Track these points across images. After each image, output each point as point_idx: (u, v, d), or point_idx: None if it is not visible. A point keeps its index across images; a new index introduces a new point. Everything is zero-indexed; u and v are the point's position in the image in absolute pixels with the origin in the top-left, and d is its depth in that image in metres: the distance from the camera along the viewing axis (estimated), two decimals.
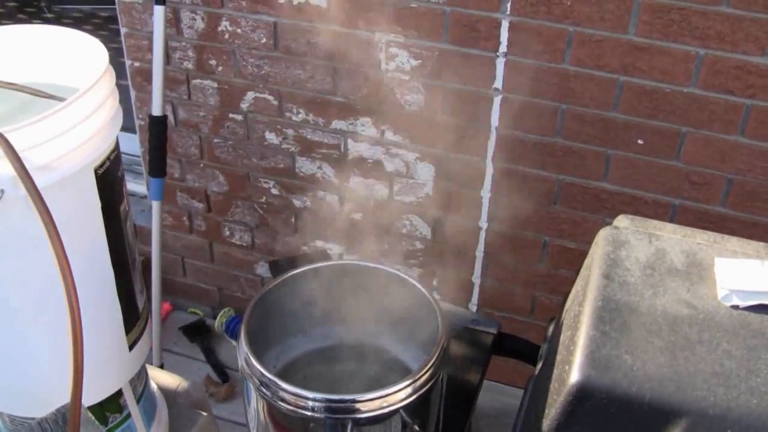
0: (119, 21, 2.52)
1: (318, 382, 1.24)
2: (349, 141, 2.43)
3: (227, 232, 2.81)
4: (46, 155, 1.05)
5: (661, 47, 1.97)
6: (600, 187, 2.23)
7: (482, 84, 2.18)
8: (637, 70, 2.02)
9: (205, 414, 1.61)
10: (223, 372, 2.84)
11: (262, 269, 2.84)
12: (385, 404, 1.17)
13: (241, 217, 2.74)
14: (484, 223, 2.41)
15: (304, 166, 2.53)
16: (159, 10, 2.23)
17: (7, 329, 1.19)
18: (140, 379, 1.44)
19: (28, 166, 0.99)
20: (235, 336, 2.92)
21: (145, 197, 2.94)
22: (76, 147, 1.09)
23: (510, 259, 2.46)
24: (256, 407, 1.27)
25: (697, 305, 1.11)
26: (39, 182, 1.01)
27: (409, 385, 1.19)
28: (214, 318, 2.99)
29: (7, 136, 0.99)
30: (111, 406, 1.37)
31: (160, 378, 1.64)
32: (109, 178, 1.19)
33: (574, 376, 1.02)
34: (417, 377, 1.20)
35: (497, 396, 2.57)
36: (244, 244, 2.81)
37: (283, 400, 1.19)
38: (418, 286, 1.36)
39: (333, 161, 2.49)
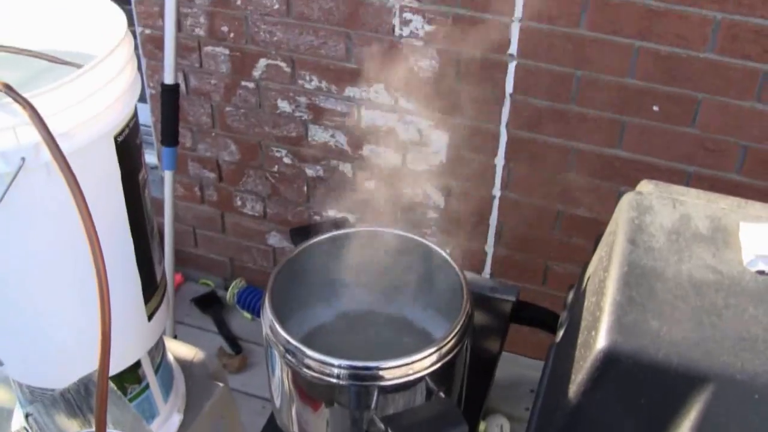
0: None
1: (341, 349, 1.23)
2: (363, 108, 2.41)
3: (239, 202, 2.81)
4: (67, 122, 1.04)
5: (677, 11, 1.95)
6: (614, 155, 2.22)
7: (497, 50, 2.16)
8: (654, 35, 2.01)
9: (221, 385, 1.61)
10: (235, 343, 2.85)
11: (274, 239, 2.84)
12: (410, 371, 1.17)
13: (253, 186, 2.73)
14: (497, 192, 2.41)
15: (317, 134, 2.52)
16: None
17: (27, 300, 1.19)
18: (158, 349, 1.45)
19: None
20: (247, 307, 2.93)
21: (156, 167, 2.93)
22: (97, 114, 1.09)
23: (523, 228, 2.45)
24: (280, 375, 1.27)
25: (722, 270, 1.11)
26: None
27: (434, 353, 1.19)
28: (226, 289, 3.00)
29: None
30: (130, 376, 1.38)
31: (177, 349, 1.64)
32: (128, 146, 1.19)
33: (601, 342, 1.01)
34: (442, 344, 1.20)
35: (508, 365, 2.57)
36: (256, 214, 2.80)
37: (308, 367, 1.19)
38: (442, 253, 1.36)
39: (346, 129, 2.48)
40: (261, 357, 2.79)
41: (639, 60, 2.05)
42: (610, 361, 1.01)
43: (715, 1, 1.91)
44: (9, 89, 0.98)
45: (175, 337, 2.71)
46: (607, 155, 2.22)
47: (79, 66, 1.11)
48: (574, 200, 2.34)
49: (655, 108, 2.11)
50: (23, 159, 1.01)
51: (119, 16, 1.18)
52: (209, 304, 3.01)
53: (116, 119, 1.13)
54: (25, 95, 0.98)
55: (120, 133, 1.16)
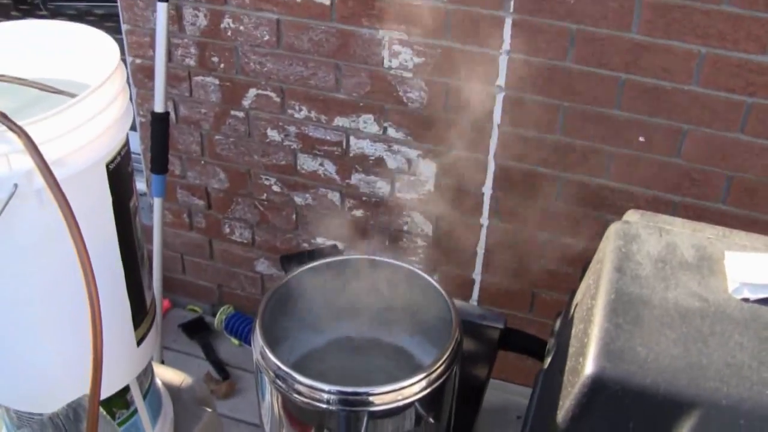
0: (121, 17, 2.52)
1: (330, 375, 1.24)
2: (351, 138, 2.43)
3: (227, 229, 2.81)
4: (60, 150, 1.05)
5: (663, 45, 1.98)
6: (601, 184, 2.24)
7: (485, 81, 2.19)
8: (639, 68, 2.03)
9: (209, 410, 1.61)
10: (223, 369, 2.84)
11: (262, 266, 2.85)
12: (399, 397, 1.18)
13: (242, 214, 2.74)
14: (485, 220, 2.42)
15: (306, 163, 2.53)
16: (162, 7, 2.23)
17: (17, 324, 1.19)
18: (147, 375, 1.44)
19: None
20: (234, 333, 2.92)
21: (144, 194, 2.93)
22: (90, 142, 1.09)
23: (511, 256, 2.46)
24: (270, 401, 1.27)
25: (708, 298, 1.12)
26: None
27: (423, 379, 1.19)
28: (213, 315, 2.99)
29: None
30: (118, 401, 1.37)
31: (165, 374, 1.64)
32: (119, 174, 1.19)
33: (589, 368, 1.02)
34: (432, 371, 1.20)
35: (496, 392, 2.57)
36: (245, 241, 2.81)
37: (298, 392, 1.19)
38: (431, 280, 1.37)
39: (335, 158, 2.49)
40: (248, 383, 2.80)
41: (625, 92, 2.08)
42: (597, 387, 1.02)
43: (699, 35, 1.94)
44: (3, 117, 0.99)
45: (162, 362, 2.70)
46: (594, 185, 2.24)
47: (72, 95, 1.12)
48: (562, 229, 2.35)
49: (641, 139, 2.13)
50: (16, 185, 1.02)
51: (112, 46, 1.19)
52: (197, 329, 3.00)
53: (108, 147, 1.14)
54: (19, 123, 0.99)
55: (112, 161, 1.16)
